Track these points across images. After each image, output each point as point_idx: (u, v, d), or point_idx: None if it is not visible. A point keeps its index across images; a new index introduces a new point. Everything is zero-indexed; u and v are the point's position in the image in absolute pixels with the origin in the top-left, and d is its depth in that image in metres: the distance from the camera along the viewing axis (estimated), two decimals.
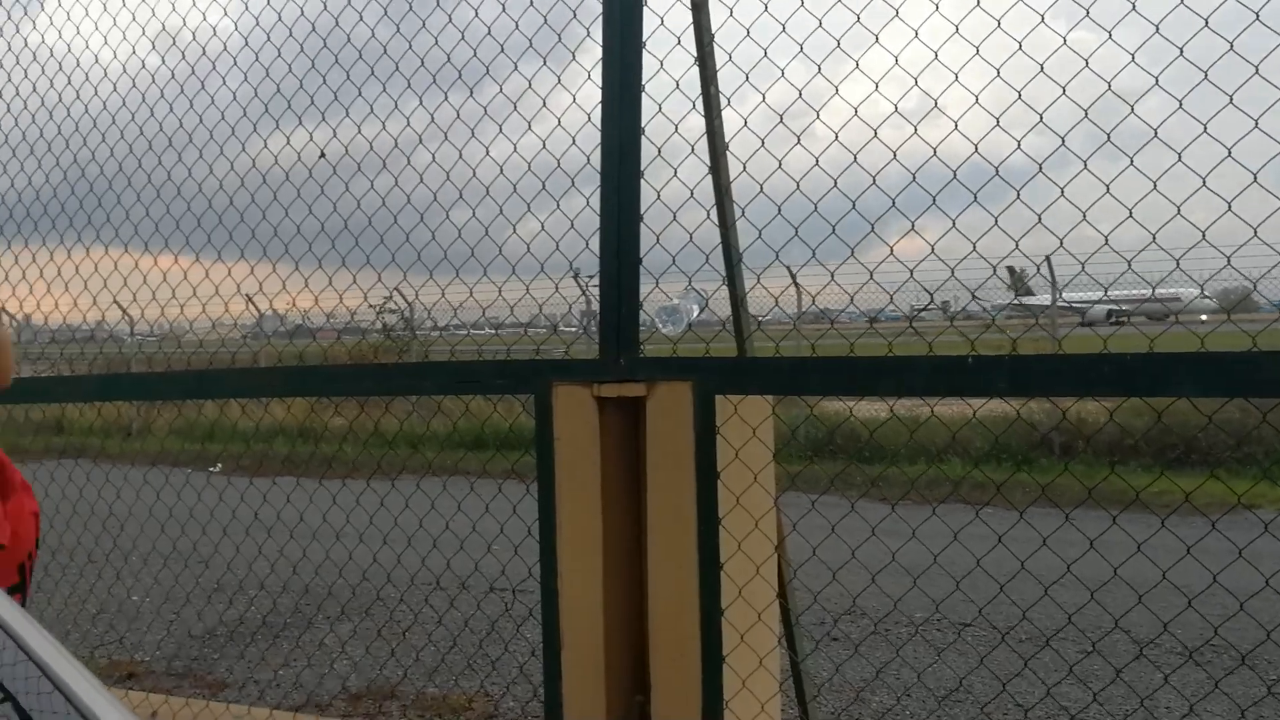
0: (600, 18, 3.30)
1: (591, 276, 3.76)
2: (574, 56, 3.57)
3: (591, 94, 3.40)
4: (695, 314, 3.53)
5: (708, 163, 3.65)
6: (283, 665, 6.68)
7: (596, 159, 3.33)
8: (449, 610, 6.66)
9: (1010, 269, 3.41)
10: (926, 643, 6.75)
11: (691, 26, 3.64)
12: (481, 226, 3.89)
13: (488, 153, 3.89)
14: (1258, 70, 2.56)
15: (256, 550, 5.67)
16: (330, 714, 5.75)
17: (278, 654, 6.87)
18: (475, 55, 3.81)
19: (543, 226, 3.68)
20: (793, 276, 5.59)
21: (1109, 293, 3.20)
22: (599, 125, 3.32)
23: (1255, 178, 2.54)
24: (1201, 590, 3.42)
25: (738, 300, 3.75)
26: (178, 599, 7.40)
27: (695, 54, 3.62)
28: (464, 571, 6.40)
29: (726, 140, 3.70)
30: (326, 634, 7.26)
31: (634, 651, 3.30)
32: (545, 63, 3.72)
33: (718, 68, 3.62)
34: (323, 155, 3.93)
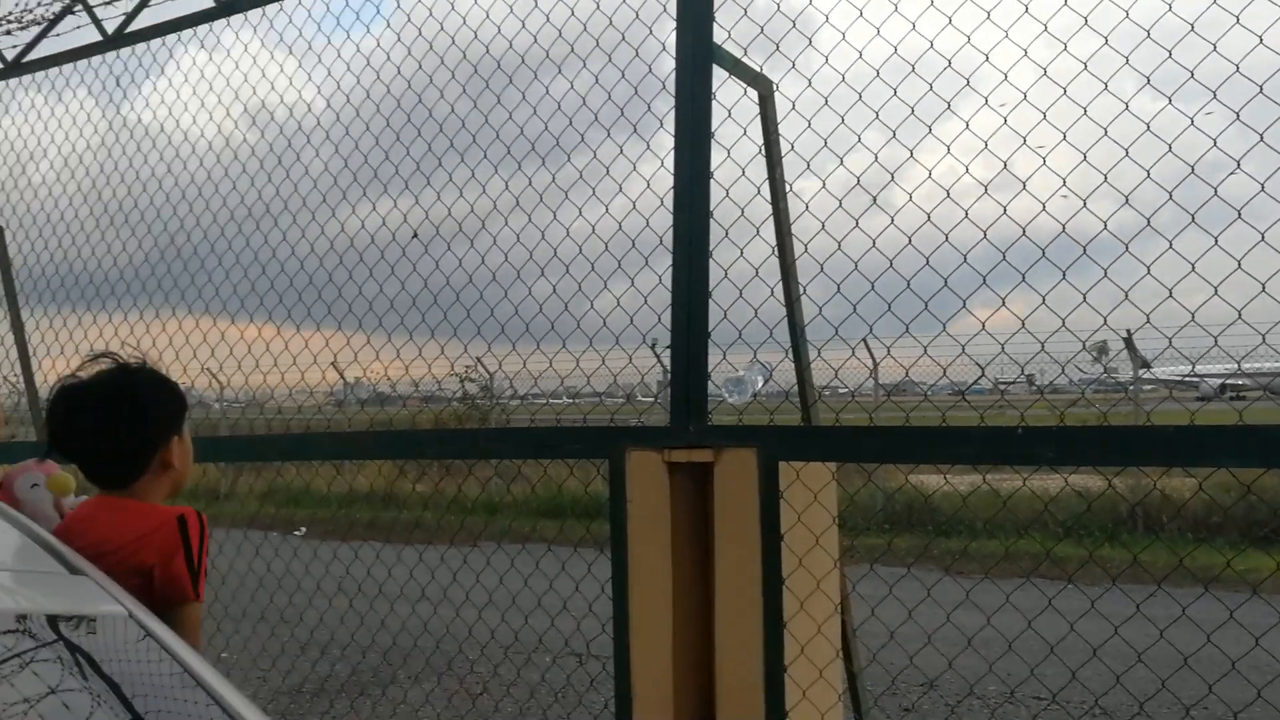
0: (673, 108, 3.56)
1: (667, 347, 4.00)
2: (649, 145, 3.84)
3: (664, 173, 3.67)
4: (760, 384, 3.75)
5: (773, 243, 3.89)
6: None
7: (668, 237, 3.58)
8: (524, 669, 6.85)
9: (1128, 343, 3.57)
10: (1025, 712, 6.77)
11: (759, 116, 3.91)
12: (560, 300, 4.14)
13: (567, 232, 4.15)
14: None
15: (341, 612, 5.93)
16: None
17: (361, 710, 7.11)
18: (547, 129, 4.11)
19: (618, 302, 3.94)
20: (869, 350, 5.76)
21: (1241, 365, 3.26)
22: (670, 208, 3.58)
23: None
24: None
25: (802, 372, 3.96)
26: (266, 657, 7.68)
27: (762, 143, 3.88)
28: (539, 635, 6.61)
29: (791, 219, 3.93)
30: (409, 691, 7.49)
31: (702, 704, 3.47)
32: (621, 150, 4.00)
33: (783, 154, 3.88)
34: (415, 235, 4.24)
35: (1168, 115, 2.94)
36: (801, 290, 3.89)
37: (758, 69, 3.72)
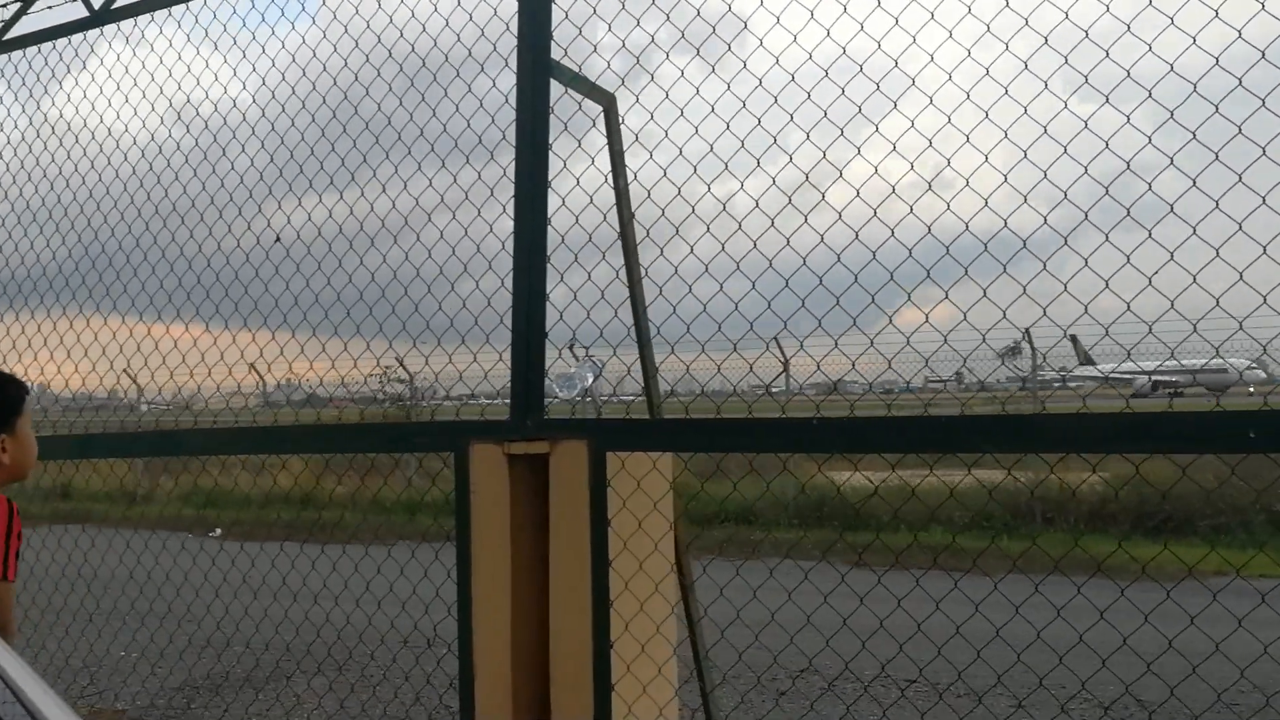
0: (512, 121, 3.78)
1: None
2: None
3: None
4: (590, 380, 3.98)
5: (621, 253, 4.13)
6: (259, 716, 7.04)
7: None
8: (415, 666, 7.03)
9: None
10: (874, 700, 7.08)
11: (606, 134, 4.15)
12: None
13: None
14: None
15: (243, 610, 6.07)
16: None
17: (256, 706, 7.24)
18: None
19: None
20: (781, 348, 5.95)
21: (1178, 361, 3.38)
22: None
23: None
24: (1115, 651, 3.81)
25: (647, 369, 4.20)
26: (164, 655, 7.78)
27: (610, 153, 4.12)
28: (433, 629, 6.79)
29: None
30: (310, 682, 7.62)
31: (540, 682, 3.69)
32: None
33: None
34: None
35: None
36: (659, 292, 4.12)
37: (594, 83, 3.95)
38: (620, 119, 4.16)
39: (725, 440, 3.35)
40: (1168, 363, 3.39)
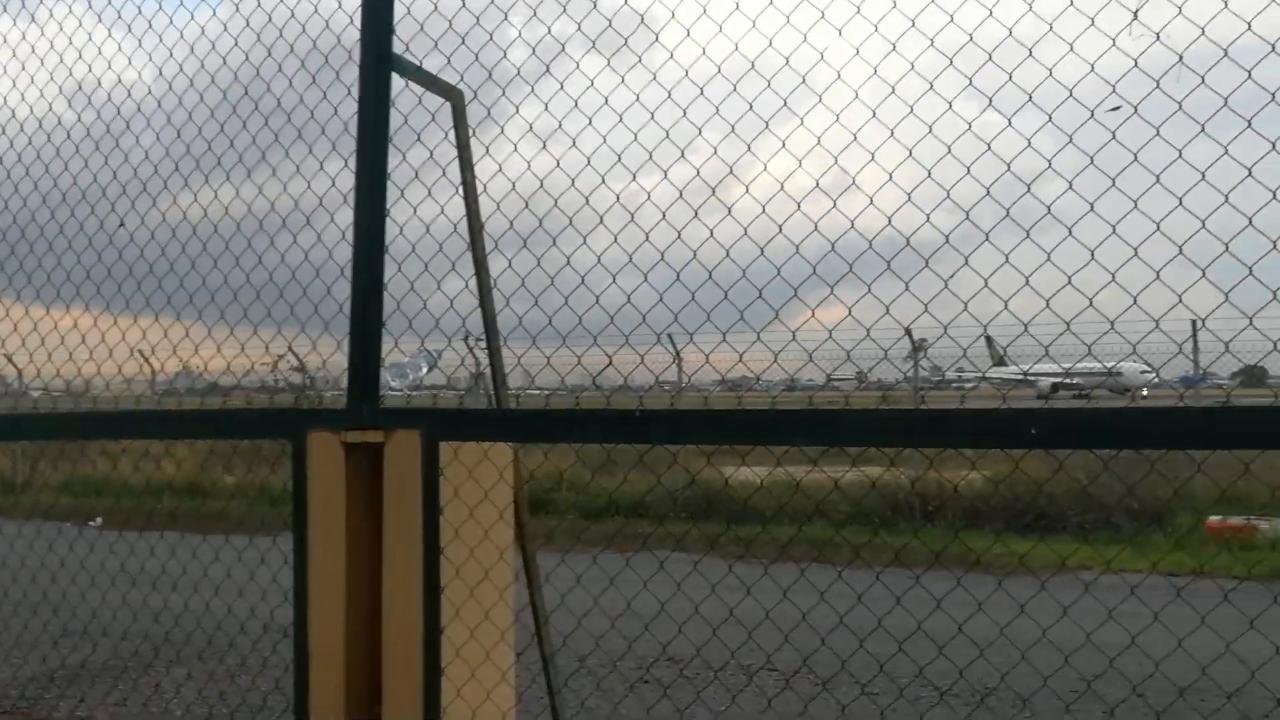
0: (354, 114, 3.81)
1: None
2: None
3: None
4: (425, 371, 4.03)
5: (466, 239, 4.18)
6: (120, 704, 6.94)
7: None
8: (273, 654, 6.99)
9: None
10: (724, 687, 7.26)
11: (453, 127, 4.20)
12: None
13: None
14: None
15: (114, 599, 5.97)
16: None
17: (113, 695, 7.12)
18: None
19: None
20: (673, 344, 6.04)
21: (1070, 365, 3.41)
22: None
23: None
24: (951, 638, 4.01)
25: (494, 360, 4.27)
26: (21, 645, 7.60)
27: (456, 145, 4.17)
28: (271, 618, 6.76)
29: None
30: (164, 676, 7.52)
31: (373, 667, 3.74)
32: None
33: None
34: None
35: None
36: (494, 283, 4.19)
37: (435, 76, 4.00)
38: (465, 113, 4.21)
39: (553, 430, 3.44)
40: (1068, 365, 3.52)
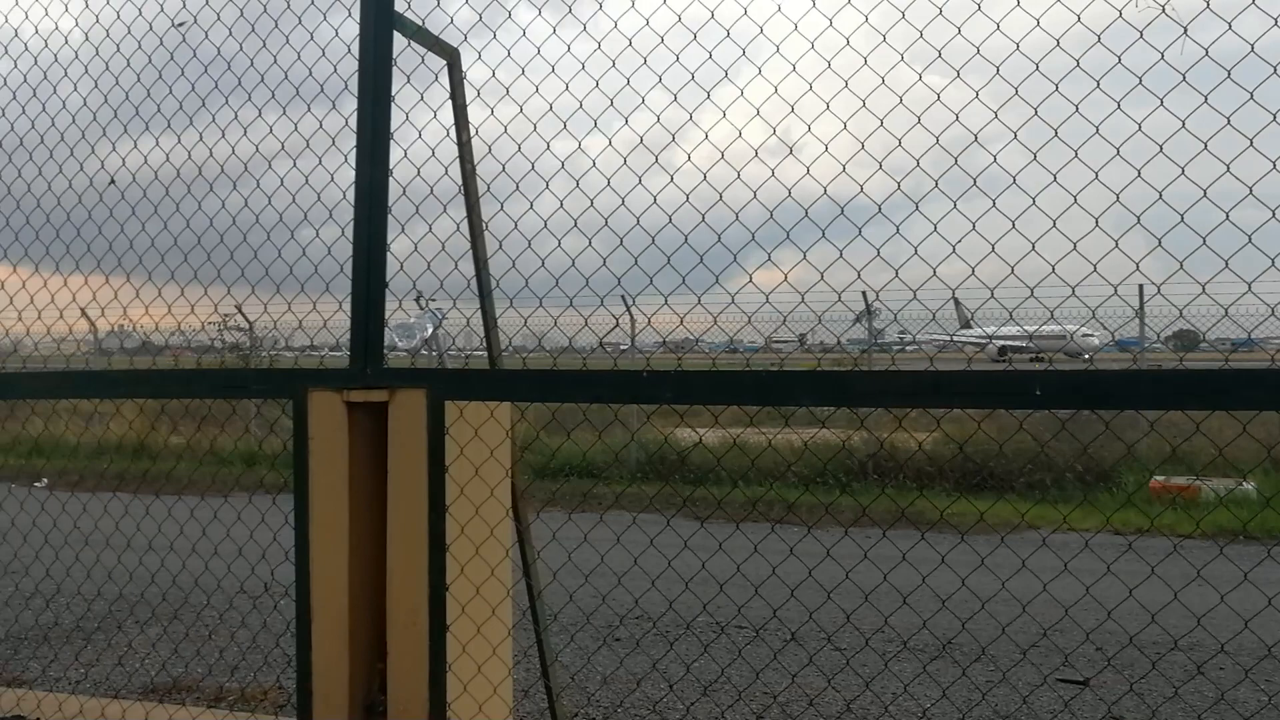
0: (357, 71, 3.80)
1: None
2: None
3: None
4: (430, 331, 4.06)
5: (463, 203, 4.20)
6: (91, 664, 6.92)
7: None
8: (251, 613, 7.01)
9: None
10: (698, 639, 7.41)
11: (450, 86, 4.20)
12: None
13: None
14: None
15: (73, 560, 5.94)
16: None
17: (85, 655, 7.10)
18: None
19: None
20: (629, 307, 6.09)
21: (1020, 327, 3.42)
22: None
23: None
24: (912, 591, 4.12)
25: (487, 321, 4.30)
26: None
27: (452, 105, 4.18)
28: (271, 578, 6.78)
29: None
30: (136, 636, 7.50)
31: (376, 623, 3.79)
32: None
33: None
34: (112, 182, 4.31)
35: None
36: (498, 247, 4.20)
37: (437, 36, 3.99)
38: (463, 74, 4.21)
39: (560, 391, 3.49)
40: (1006, 328, 3.60)
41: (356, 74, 3.76)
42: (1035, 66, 3.07)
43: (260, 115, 4.33)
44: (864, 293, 4.09)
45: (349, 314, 3.76)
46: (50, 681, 6.59)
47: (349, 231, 3.80)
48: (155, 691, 6.32)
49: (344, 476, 3.73)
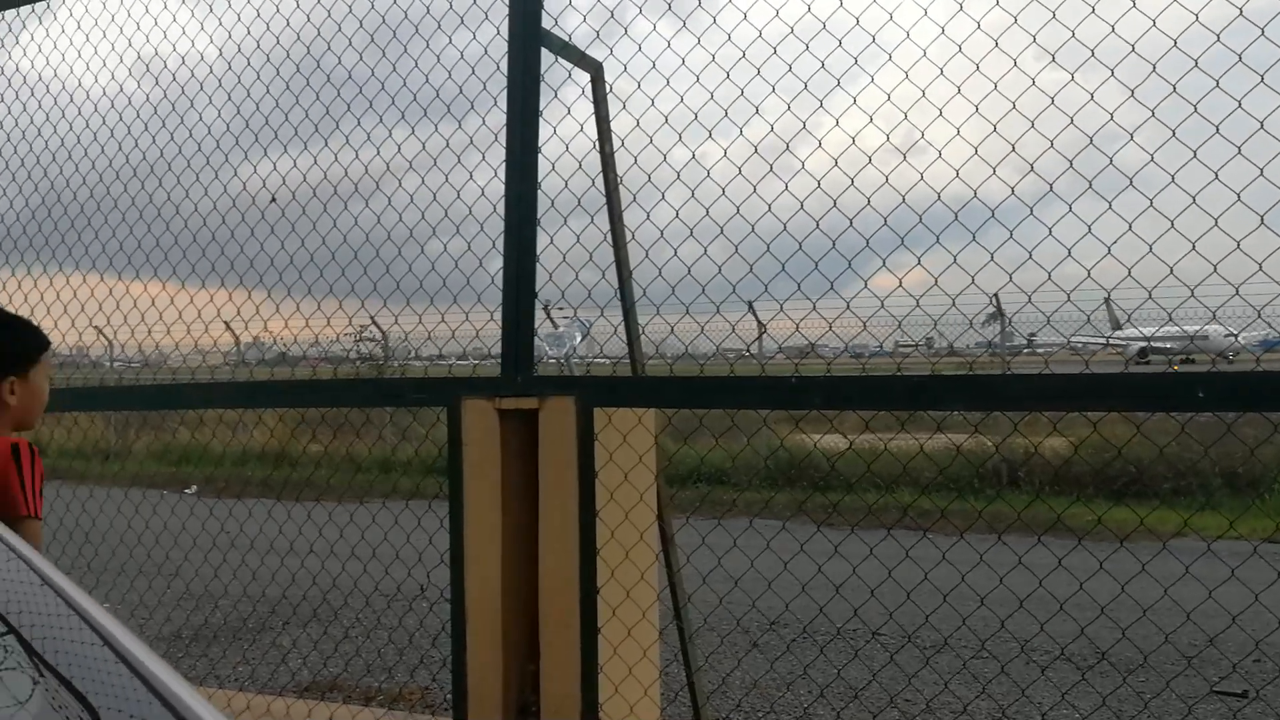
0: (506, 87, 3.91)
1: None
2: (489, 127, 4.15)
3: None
4: (579, 339, 4.14)
5: (606, 213, 4.28)
6: (253, 663, 7.23)
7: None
8: (406, 615, 7.23)
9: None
10: (849, 645, 7.37)
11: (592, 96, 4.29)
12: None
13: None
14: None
15: (225, 565, 6.23)
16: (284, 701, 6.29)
17: (244, 654, 7.42)
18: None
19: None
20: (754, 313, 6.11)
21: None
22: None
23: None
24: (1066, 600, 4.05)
25: (631, 330, 4.37)
26: (148, 607, 7.93)
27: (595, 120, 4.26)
28: (421, 583, 6.99)
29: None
30: (298, 635, 7.81)
31: (528, 626, 3.89)
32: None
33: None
34: (273, 199, 4.51)
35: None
36: (644, 256, 4.27)
37: (583, 51, 4.08)
38: (608, 88, 4.29)
39: (707, 397, 3.53)
40: (1146, 329, 3.47)
41: (504, 87, 3.87)
42: (1194, 63, 2.99)
43: (410, 126, 4.43)
44: (995, 295, 4.01)
45: (499, 323, 3.87)
46: (218, 680, 6.90)
47: (498, 243, 3.91)
48: (311, 689, 6.56)
49: (496, 482, 3.83)
